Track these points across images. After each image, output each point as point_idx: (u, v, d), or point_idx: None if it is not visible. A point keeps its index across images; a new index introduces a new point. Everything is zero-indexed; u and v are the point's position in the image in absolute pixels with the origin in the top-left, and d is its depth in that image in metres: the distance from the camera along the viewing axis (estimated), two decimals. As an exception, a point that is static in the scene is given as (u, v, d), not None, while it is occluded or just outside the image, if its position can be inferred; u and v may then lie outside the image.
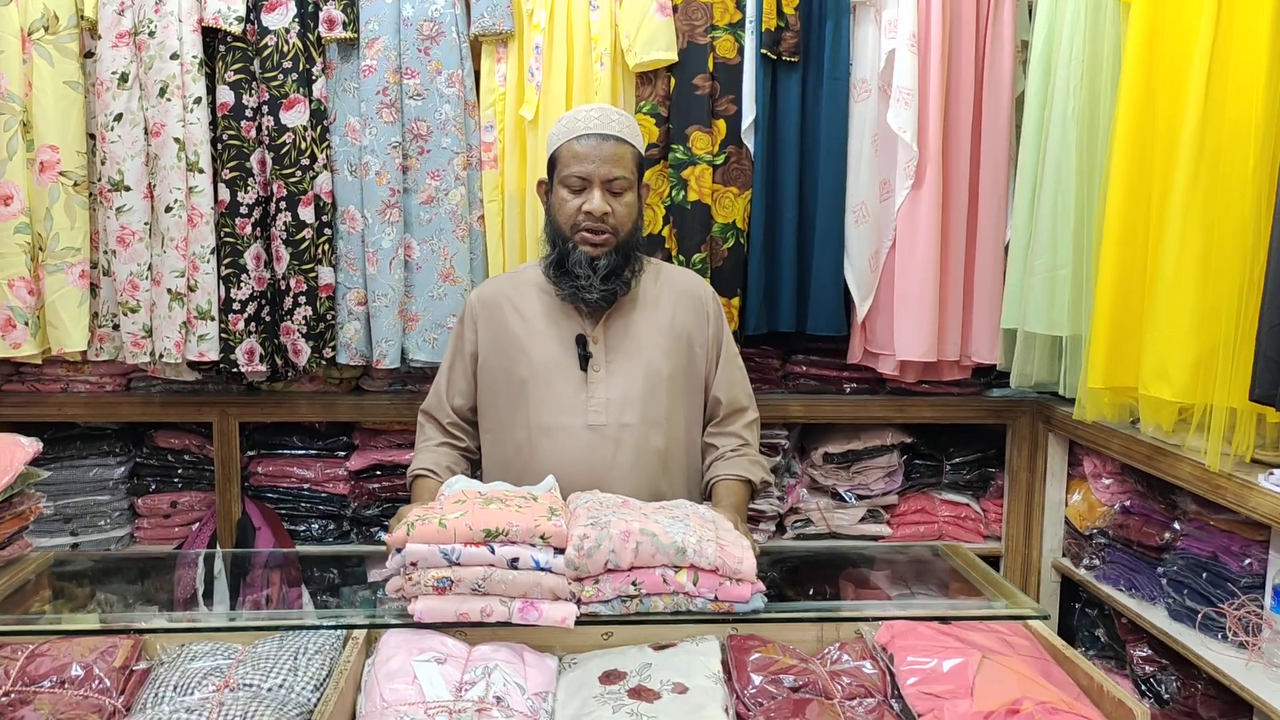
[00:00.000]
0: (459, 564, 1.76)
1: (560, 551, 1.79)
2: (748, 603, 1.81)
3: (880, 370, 2.99)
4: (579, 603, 1.80)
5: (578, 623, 1.79)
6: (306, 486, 3.09)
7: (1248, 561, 2.33)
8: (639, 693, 1.66)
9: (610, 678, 1.71)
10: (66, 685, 1.62)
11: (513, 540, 1.78)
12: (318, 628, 1.79)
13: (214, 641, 1.76)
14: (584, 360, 2.21)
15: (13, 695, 1.59)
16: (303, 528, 3.09)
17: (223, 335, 2.76)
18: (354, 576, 2.44)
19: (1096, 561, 2.87)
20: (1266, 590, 2.28)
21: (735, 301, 2.86)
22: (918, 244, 2.83)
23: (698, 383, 2.31)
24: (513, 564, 1.77)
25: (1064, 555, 3.05)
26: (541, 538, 1.78)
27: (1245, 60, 2.02)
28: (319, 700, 1.57)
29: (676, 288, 2.31)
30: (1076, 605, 3.05)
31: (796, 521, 3.20)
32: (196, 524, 3.09)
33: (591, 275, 2.15)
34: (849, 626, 1.87)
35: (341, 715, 1.57)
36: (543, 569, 1.78)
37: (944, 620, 1.85)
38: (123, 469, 3.06)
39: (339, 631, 1.78)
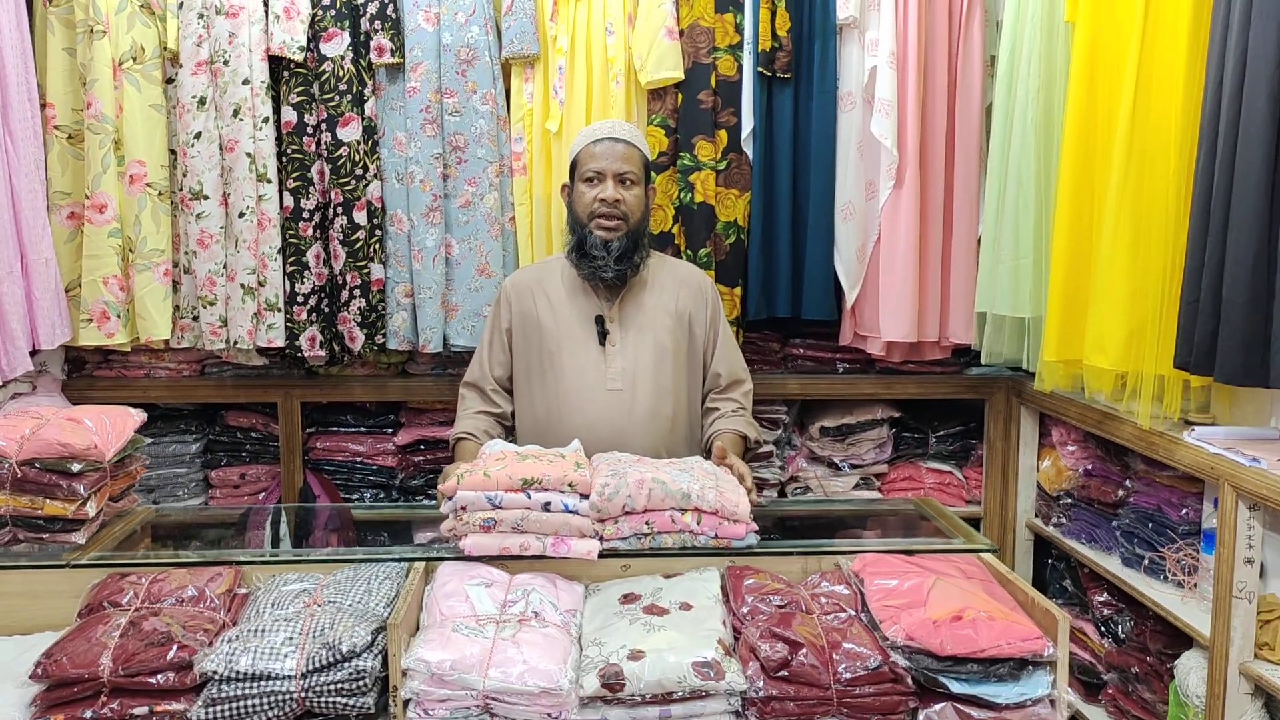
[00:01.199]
0: (501, 507, 2.08)
1: (585, 497, 2.12)
2: (743, 539, 2.13)
3: (869, 351, 3.29)
4: (601, 539, 2.12)
5: (600, 556, 2.10)
6: (359, 459, 3.41)
7: (1184, 511, 2.63)
8: (651, 609, 1.98)
9: (628, 599, 2.03)
10: (184, 603, 1.96)
11: (545, 488, 2.10)
12: (386, 559, 2.12)
13: (299, 572, 2.10)
14: (602, 336, 2.55)
15: (143, 610, 1.93)
16: (356, 496, 3.41)
17: (288, 324, 3.10)
18: (402, 537, 2.77)
19: (1063, 520, 3.15)
20: (1201, 536, 2.57)
21: (737, 290, 3.18)
22: (899, 238, 3.13)
23: (697, 358, 2.65)
24: (545, 507, 2.09)
25: (1036, 515, 3.35)
26: (569, 485, 2.10)
27: (1165, 76, 2.32)
28: (390, 613, 1.90)
29: (679, 277, 2.66)
30: (1049, 561, 3.35)
31: (796, 489, 3.49)
32: (263, 493, 3.41)
33: (606, 255, 2.50)
34: (830, 559, 2.18)
35: (410, 624, 1.90)
36: (570, 511, 2.10)
37: (908, 553, 2.16)
38: (197, 445, 3.38)
39: (403, 564, 2.11)
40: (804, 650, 1.83)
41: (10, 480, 2.10)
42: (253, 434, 3.42)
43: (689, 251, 3.14)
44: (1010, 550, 3.36)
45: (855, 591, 2.04)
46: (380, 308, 3.14)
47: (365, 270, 3.10)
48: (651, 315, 2.59)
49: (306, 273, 3.08)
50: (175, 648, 1.81)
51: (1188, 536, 2.62)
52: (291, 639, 1.82)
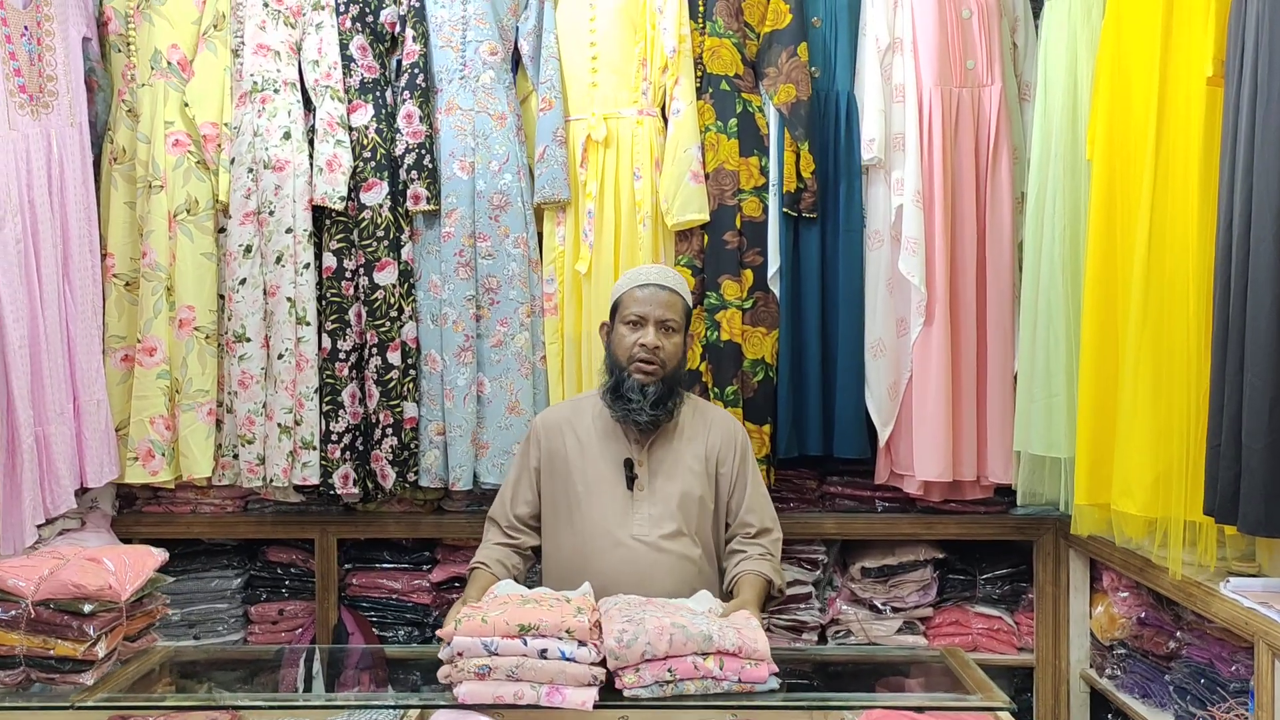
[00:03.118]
0: (497, 654, 2.07)
1: (584, 644, 2.09)
2: (764, 683, 2.08)
3: (906, 490, 3.22)
4: (605, 687, 2.07)
5: (597, 706, 2.06)
6: (394, 596, 3.43)
7: (1235, 667, 2.47)
8: (645, 768, 1.93)
9: (622, 755, 1.99)
10: (176, 749, 1.98)
11: (543, 634, 2.08)
12: (380, 707, 2.12)
13: (296, 717, 2.11)
14: (630, 480, 2.56)
15: (133, 756, 1.95)
16: (390, 634, 3.41)
17: (323, 462, 3.18)
18: (428, 671, 2.74)
19: (1118, 671, 2.99)
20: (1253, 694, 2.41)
21: (766, 428, 3.16)
22: (931, 375, 3.09)
23: (721, 505, 2.65)
24: (542, 654, 2.07)
25: (1091, 666, 3.18)
26: (567, 632, 2.08)
27: (1179, 215, 2.29)
28: (375, 765, 1.88)
29: (711, 422, 2.68)
30: (1108, 716, 3.16)
31: (837, 632, 3.39)
32: (300, 629, 3.44)
33: (642, 400, 2.52)
34: (838, 714, 2.10)
35: (390, 777, 1.88)
36: (567, 659, 2.07)
37: (919, 710, 2.07)
38: (239, 580, 3.44)
39: (397, 710, 2.10)
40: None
41: (25, 620, 2.17)
42: (292, 569, 3.47)
43: (716, 389, 3.15)
44: (1065, 703, 3.19)
45: (859, 751, 1.96)
46: (413, 446, 3.21)
47: (399, 409, 3.18)
48: (681, 461, 2.60)
49: (341, 412, 3.17)
50: (157, 799, 1.82)
51: (1239, 694, 2.46)
52: (271, 790, 1.81)
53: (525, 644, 2.07)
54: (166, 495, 3.40)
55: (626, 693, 2.05)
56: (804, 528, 3.32)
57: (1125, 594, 2.99)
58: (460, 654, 2.09)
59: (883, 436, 3.18)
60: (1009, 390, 3.14)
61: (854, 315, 3.18)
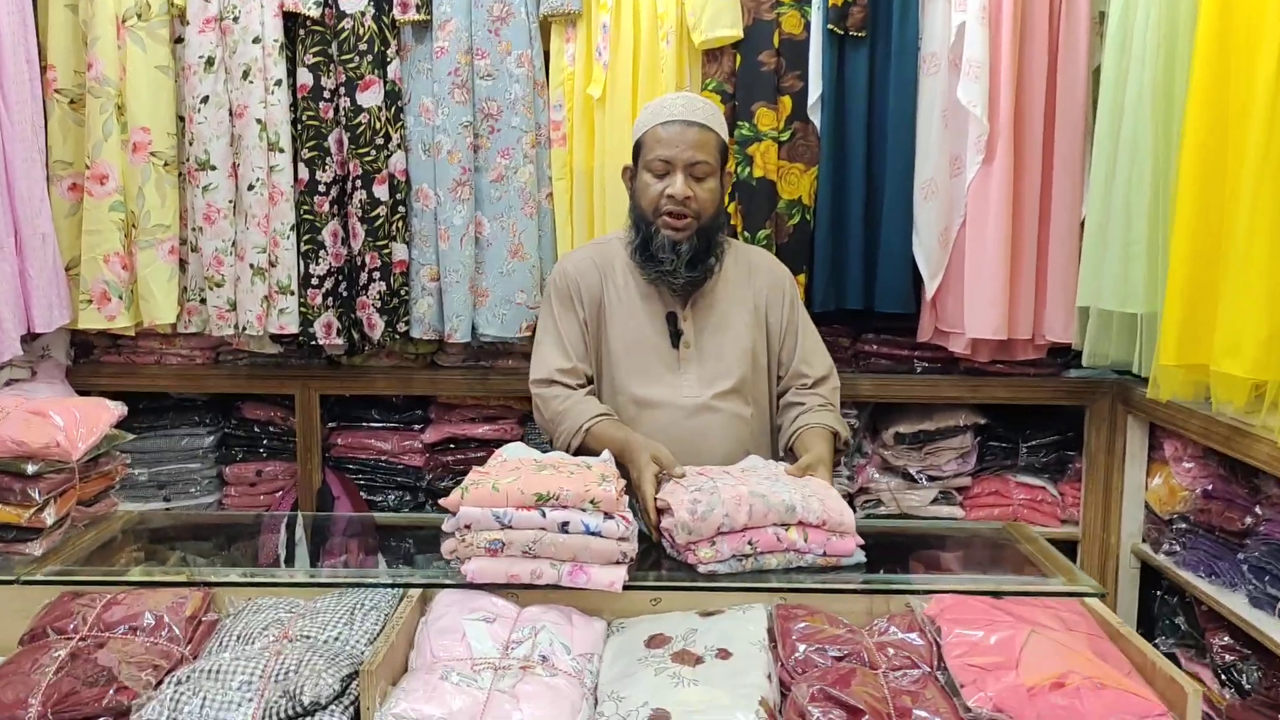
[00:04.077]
0: (510, 527, 1.80)
1: (610, 517, 1.81)
2: (852, 555, 1.89)
3: (951, 349, 2.94)
4: (699, 563, 1.86)
5: (626, 588, 1.81)
6: (384, 458, 3.17)
7: (1329, 547, 2.24)
8: (682, 656, 1.67)
9: (655, 641, 1.73)
10: (139, 632, 1.70)
11: (564, 505, 1.80)
12: (375, 585, 1.84)
13: (278, 596, 1.83)
14: (674, 337, 2.26)
15: (89, 640, 1.68)
16: (379, 498, 3.17)
17: (302, 309, 2.86)
18: (428, 543, 2.51)
19: (1177, 547, 2.77)
20: (1349, 576, 2.18)
21: (801, 278, 2.85)
22: (989, 220, 2.77)
23: (773, 356, 2.38)
24: (563, 528, 1.80)
25: (1144, 541, 2.96)
26: (592, 502, 1.80)
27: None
28: (371, 651, 1.62)
29: (755, 267, 2.38)
30: (1157, 593, 2.96)
31: (867, 502, 3.17)
32: (280, 492, 3.19)
33: (675, 259, 2.21)
34: (900, 599, 1.85)
35: (391, 668, 1.61)
36: (592, 533, 1.80)
37: (996, 595, 1.82)
38: (211, 438, 3.18)
39: (396, 590, 1.83)
40: (865, 719, 1.51)
41: (-44, 483, 1.87)
42: (271, 428, 3.22)
43: (746, 234, 2.82)
44: (1112, 580, 2.98)
45: (931, 642, 1.71)
46: (403, 292, 2.88)
47: (386, 251, 2.84)
48: (728, 312, 2.33)
49: (322, 252, 2.83)
50: (114, 689, 1.56)
51: (1332, 577, 2.23)
52: (250, 683, 1.55)
53: (543, 516, 1.80)
54: (127, 344, 3.10)
55: (702, 568, 1.86)
56: None
57: (1190, 464, 2.74)
58: (468, 526, 1.82)
59: (930, 289, 2.88)
60: (1075, 238, 2.83)
61: (903, 151, 2.83)
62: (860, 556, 1.89)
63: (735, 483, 1.89)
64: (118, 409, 2.15)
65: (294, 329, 2.86)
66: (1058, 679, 1.54)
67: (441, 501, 1.84)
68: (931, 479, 3.14)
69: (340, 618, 1.74)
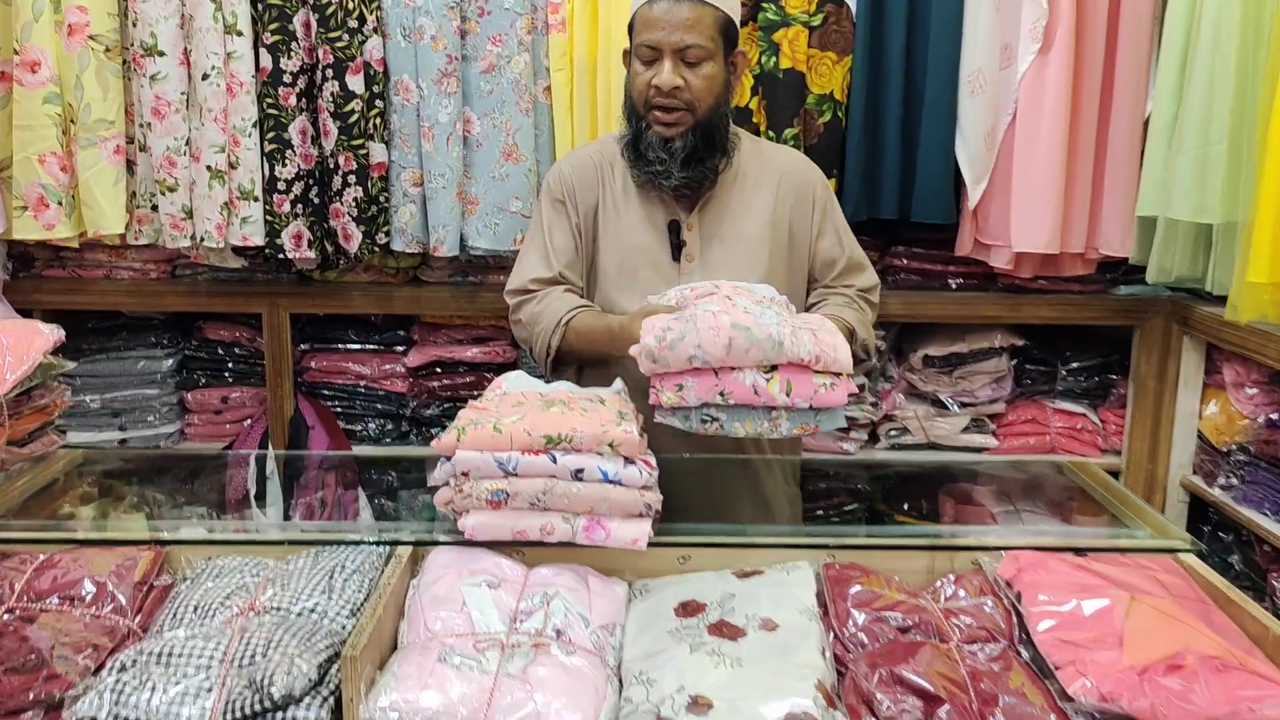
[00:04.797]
0: (516, 474, 1.55)
1: (631, 462, 1.56)
2: (842, 406, 1.60)
3: (992, 264, 2.68)
4: (659, 407, 1.60)
5: (651, 544, 1.56)
6: (362, 384, 2.91)
7: None
8: (721, 628, 1.44)
9: (688, 609, 1.50)
10: (76, 602, 1.45)
11: (577, 448, 1.55)
12: (357, 543, 1.59)
13: (244, 555, 1.58)
14: (676, 249, 1.97)
15: (16, 612, 1.42)
16: (359, 427, 2.91)
17: (268, 218, 2.56)
18: (413, 481, 2.29)
19: (1234, 481, 2.56)
20: None
21: (831, 183, 2.56)
22: (1043, 118, 2.49)
23: (800, 278, 2.07)
24: (577, 475, 1.55)
25: (1194, 473, 2.74)
26: (610, 445, 1.55)
27: None
28: (354, 628, 1.37)
29: (779, 169, 2.06)
30: (1206, 529, 2.75)
31: (892, 430, 2.94)
32: (249, 420, 2.93)
33: (667, 159, 1.90)
34: (965, 555, 1.62)
35: (378, 646, 1.37)
36: (611, 481, 1.56)
37: (1079, 552, 1.59)
38: (171, 361, 2.91)
39: (381, 548, 1.58)
40: (945, 709, 1.28)
41: None
42: (236, 350, 2.95)
43: (770, 133, 2.52)
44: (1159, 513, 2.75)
45: (1008, 609, 1.49)
46: (382, 199, 2.58)
47: (363, 151, 2.53)
48: (742, 222, 2.01)
49: (289, 153, 2.52)
50: (43, 677, 1.31)
51: None
52: (209, 668, 1.30)
53: (554, 461, 1.55)
54: (72, 256, 2.81)
55: (658, 415, 1.62)
56: None
57: (1254, 390, 2.51)
58: (465, 474, 1.56)
59: (974, 196, 2.60)
60: (1137, 140, 2.55)
61: (948, 38, 2.53)
62: (840, 420, 1.61)
63: (719, 310, 1.58)
64: (53, 333, 1.87)
65: (259, 240, 2.56)
66: (1171, 659, 1.32)
67: (434, 444, 1.58)
68: (963, 405, 2.90)
69: (317, 584, 1.49)
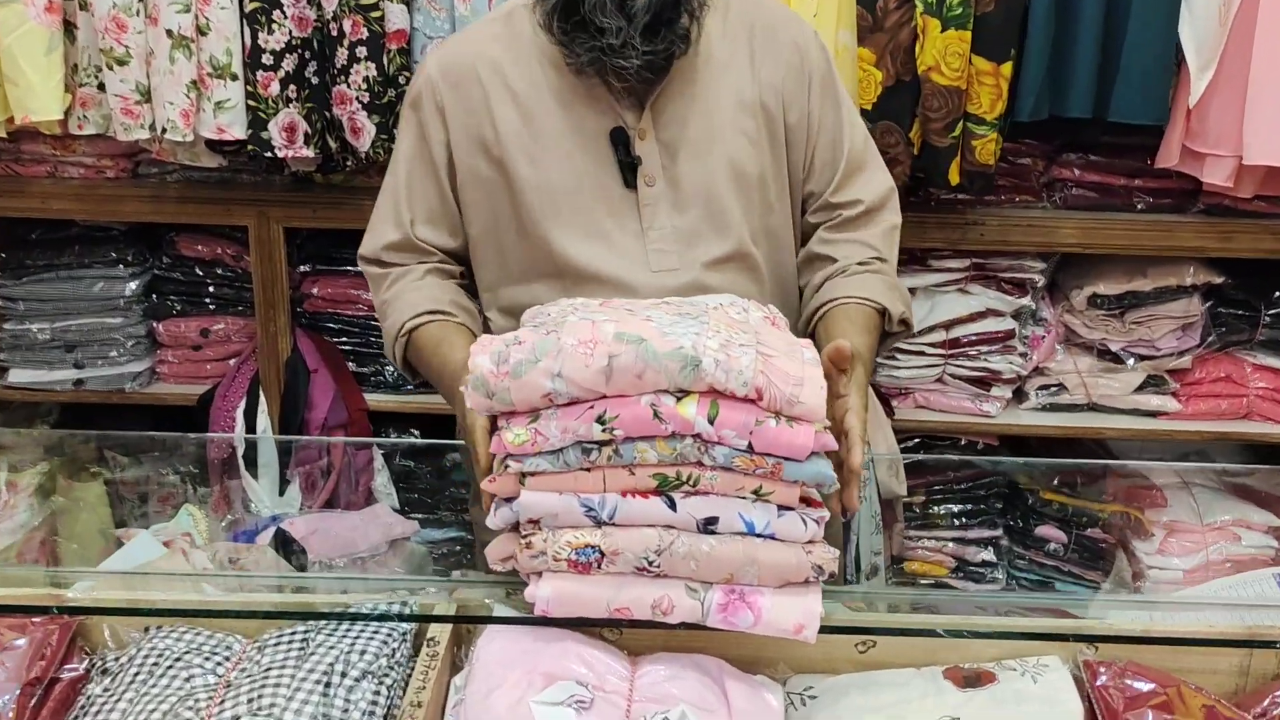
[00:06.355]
0: (614, 523, 1.02)
1: (786, 509, 1.02)
2: (803, 462, 1.00)
3: (1206, 180, 2.10)
4: (495, 450, 1.04)
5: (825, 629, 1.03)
6: (375, 316, 2.37)
7: None
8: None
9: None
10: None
11: (703, 489, 1.00)
12: (366, 615, 1.06)
13: (193, 627, 1.07)
14: (628, 170, 1.37)
15: None
16: (370, 369, 2.42)
17: (250, 103, 2.02)
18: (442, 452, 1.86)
19: None
20: None
21: (1005, 69, 1.95)
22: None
23: (797, 178, 1.47)
24: (707, 527, 1.02)
25: None
26: (755, 492, 1.01)
27: None
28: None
29: (755, 30, 1.44)
30: None
31: (1043, 388, 2.42)
32: (234, 359, 2.44)
33: (625, 26, 1.26)
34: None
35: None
36: (759, 535, 1.02)
37: None
38: (136, 283, 2.40)
39: (404, 628, 1.05)
40: None
41: None
42: (219, 270, 2.45)
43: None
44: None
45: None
46: (401, 79, 2.02)
47: (376, 13, 1.99)
48: (714, 115, 1.40)
49: (278, 14, 1.97)
50: None
51: None
52: None
53: (671, 507, 1.02)
54: (6, 149, 2.29)
55: (512, 465, 1.02)
56: (1016, 233, 2.26)
57: None
58: (534, 521, 1.04)
59: (1197, 88, 2.01)
60: None
61: None
62: (820, 470, 1.01)
63: (604, 318, 1.04)
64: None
65: (239, 133, 2.03)
66: None
67: (483, 485, 1.04)
68: (1142, 358, 2.36)
69: (308, 694, 0.97)
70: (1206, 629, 1.11)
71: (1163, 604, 1.29)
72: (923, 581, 2.45)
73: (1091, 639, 1.08)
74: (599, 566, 1.02)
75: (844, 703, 1.04)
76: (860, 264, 1.42)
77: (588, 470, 1.01)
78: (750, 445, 0.99)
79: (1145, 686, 1.03)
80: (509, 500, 1.03)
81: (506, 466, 1.03)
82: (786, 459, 1.00)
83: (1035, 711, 1.01)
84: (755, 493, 1.01)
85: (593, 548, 1.01)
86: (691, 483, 1.01)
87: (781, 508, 1.02)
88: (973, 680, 1.05)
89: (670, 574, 1.03)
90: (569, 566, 1.02)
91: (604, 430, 0.99)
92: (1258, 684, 1.08)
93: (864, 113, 1.99)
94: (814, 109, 1.44)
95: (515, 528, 1.06)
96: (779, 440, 0.99)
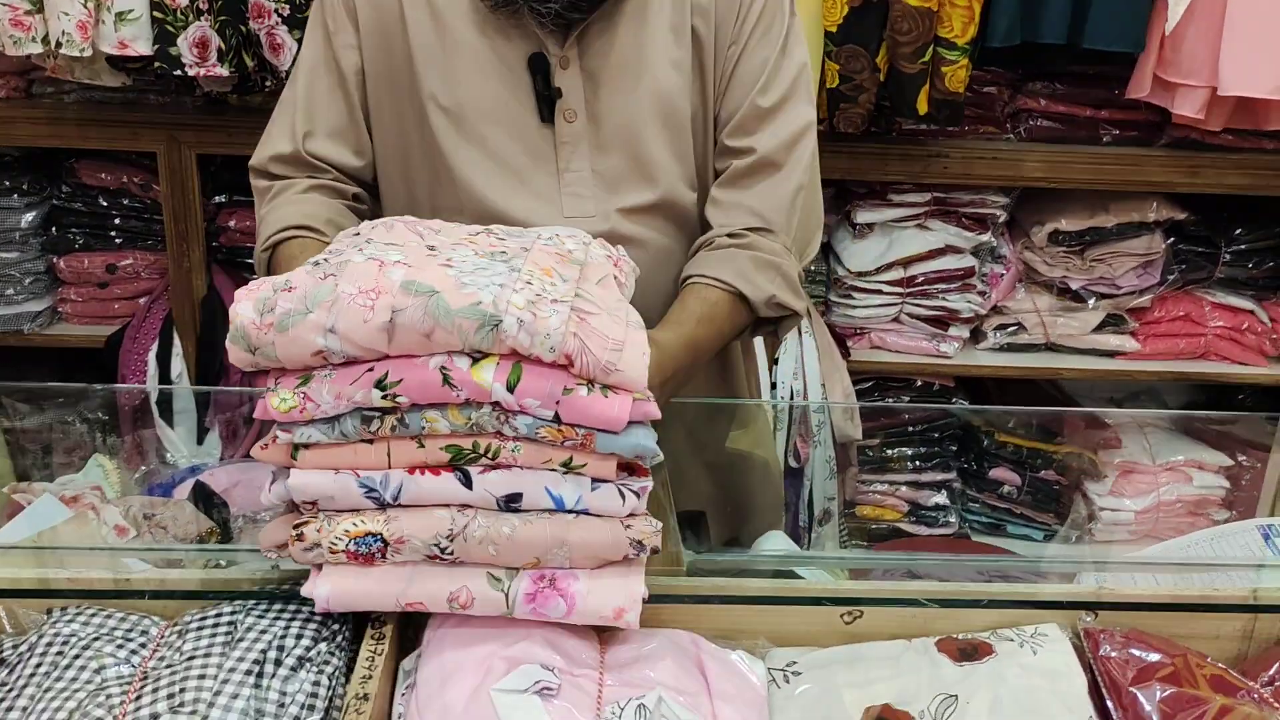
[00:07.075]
0: (400, 505, 0.92)
1: (602, 481, 0.92)
2: (621, 433, 0.90)
3: (1176, 111, 2.07)
4: (259, 415, 0.91)
5: (800, 602, 0.96)
6: (301, 251, 2.26)
7: None
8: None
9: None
10: None
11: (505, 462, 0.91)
12: (276, 596, 0.96)
13: (104, 608, 0.96)
14: (546, 102, 1.26)
15: None
16: (297, 309, 2.27)
17: (157, 14, 1.88)
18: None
19: None
20: None
21: (976, -8, 1.88)
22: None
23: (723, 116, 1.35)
24: (509, 505, 0.92)
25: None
26: (564, 463, 0.92)
27: None
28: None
29: None
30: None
31: (1001, 327, 2.42)
32: (146, 297, 2.31)
33: None
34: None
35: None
36: (567, 510, 0.92)
37: None
38: (33, 214, 2.28)
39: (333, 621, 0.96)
40: None
41: None
42: (124, 200, 2.33)
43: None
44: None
45: None
46: (325, -10, 1.86)
47: (298, -85, 1.81)
48: (644, 43, 1.27)
49: (186, -84, 1.78)
50: None
51: None
52: None
53: (466, 483, 0.91)
54: None
55: (281, 435, 0.90)
56: (979, 166, 2.22)
57: None
58: (311, 504, 0.93)
59: (1174, 13, 1.95)
60: None
61: None
62: (640, 440, 0.90)
63: (398, 259, 0.91)
64: None
65: (144, 49, 1.90)
66: None
67: (254, 452, 0.93)
68: (1102, 296, 2.35)
69: (236, 687, 0.87)
70: (1212, 593, 1.05)
71: (1161, 565, 1.24)
72: (874, 527, 2.43)
73: (1091, 606, 1.03)
74: (383, 557, 0.91)
75: (831, 679, 0.97)
76: (730, 236, 1.28)
77: (369, 442, 0.89)
78: (557, 415, 0.87)
79: (1151, 657, 0.97)
80: (280, 475, 0.90)
81: (276, 436, 0.90)
82: (600, 430, 0.89)
83: (1038, 686, 0.95)
84: (565, 465, 0.89)
85: (374, 535, 0.90)
86: (490, 455, 0.89)
87: (596, 480, 0.91)
88: (969, 653, 0.99)
89: (467, 561, 0.92)
90: (348, 559, 0.91)
91: (385, 397, 0.87)
92: (1261, 648, 1.04)
93: (828, 35, 1.90)
94: (745, 37, 1.29)
95: (294, 507, 0.93)
96: (590, 411, 0.87)
